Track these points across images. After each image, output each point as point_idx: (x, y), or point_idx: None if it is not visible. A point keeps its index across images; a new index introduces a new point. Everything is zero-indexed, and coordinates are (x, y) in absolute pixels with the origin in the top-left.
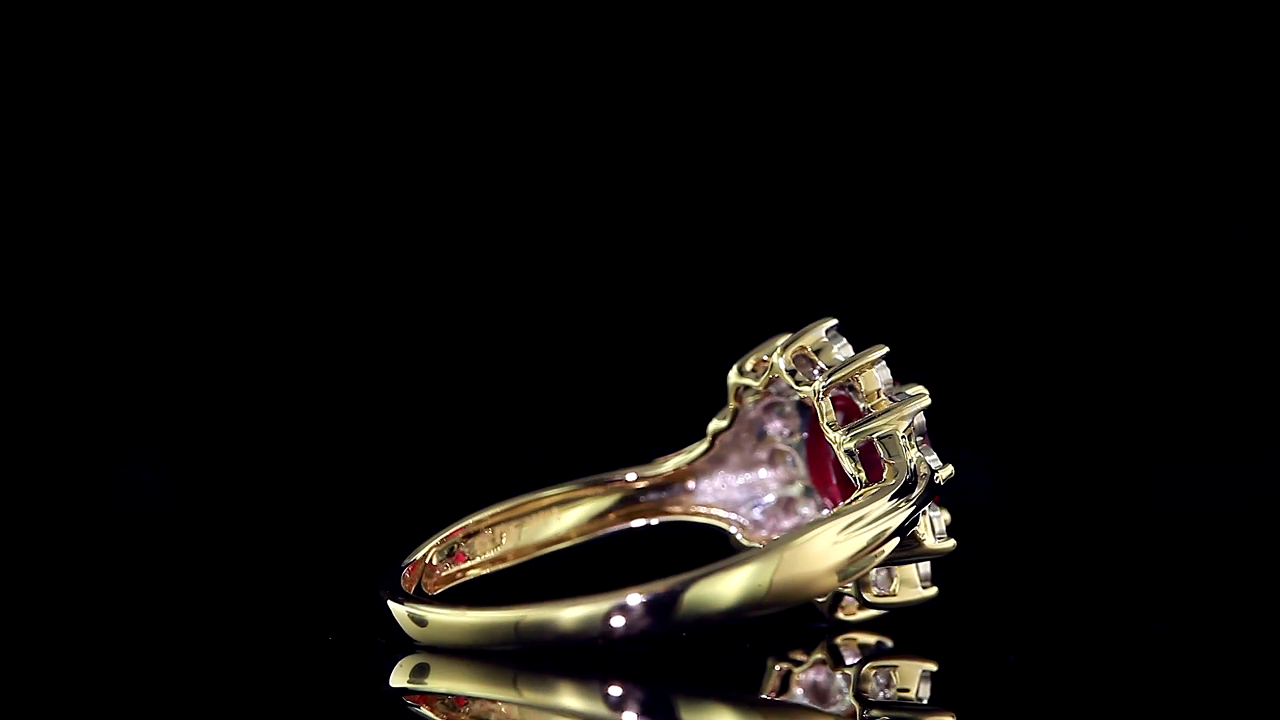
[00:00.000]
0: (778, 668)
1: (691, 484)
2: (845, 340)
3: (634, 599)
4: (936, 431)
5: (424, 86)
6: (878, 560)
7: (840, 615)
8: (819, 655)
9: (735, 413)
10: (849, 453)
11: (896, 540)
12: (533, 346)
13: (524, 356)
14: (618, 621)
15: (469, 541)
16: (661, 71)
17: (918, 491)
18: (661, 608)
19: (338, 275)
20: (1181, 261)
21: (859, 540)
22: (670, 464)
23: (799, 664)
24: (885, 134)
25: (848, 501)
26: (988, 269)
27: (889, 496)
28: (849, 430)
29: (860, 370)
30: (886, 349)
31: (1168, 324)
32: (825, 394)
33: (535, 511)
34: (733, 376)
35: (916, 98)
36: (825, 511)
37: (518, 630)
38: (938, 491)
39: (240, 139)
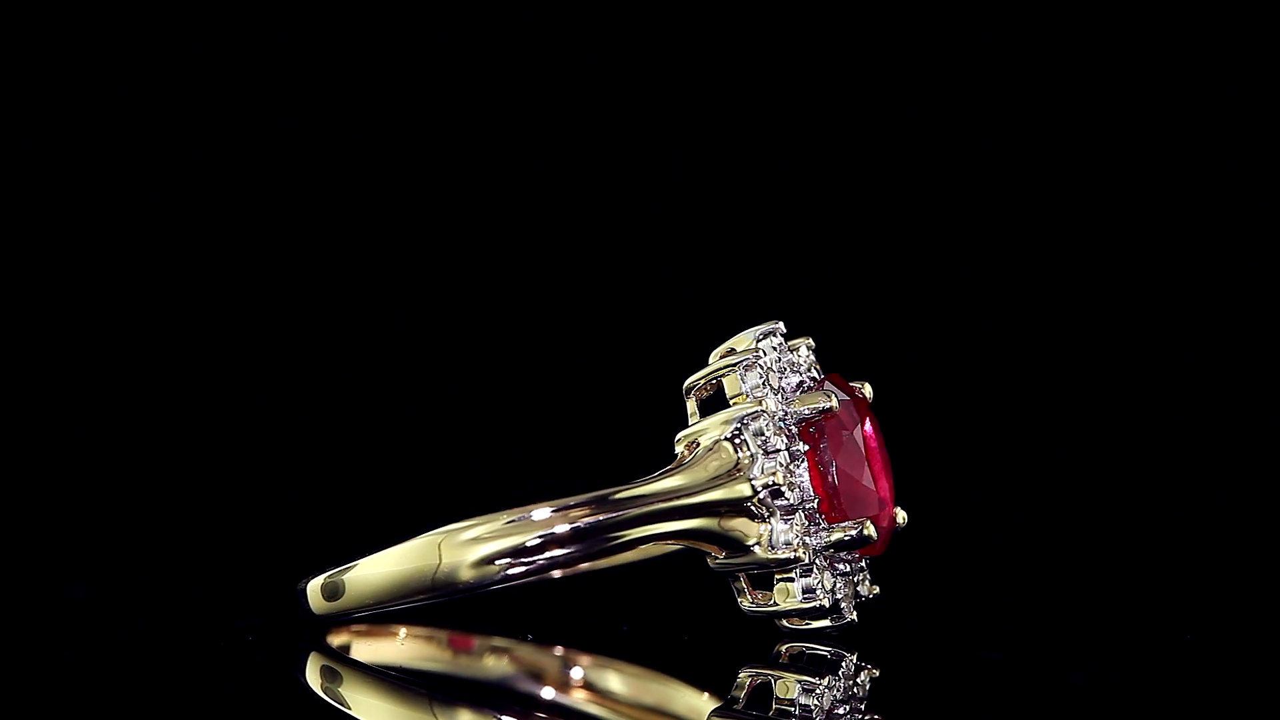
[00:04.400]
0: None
1: None
2: (780, 346)
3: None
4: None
5: (413, 104)
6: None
7: (786, 623)
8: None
9: None
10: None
11: (656, 526)
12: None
13: (519, 363)
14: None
15: None
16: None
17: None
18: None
19: (329, 281)
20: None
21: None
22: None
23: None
24: (894, 146)
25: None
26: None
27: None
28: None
29: (721, 373)
30: (760, 354)
31: (1129, 329)
32: (689, 394)
33: None
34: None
35: (926, 104)
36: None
37: (436, 574)
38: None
39: (236, 139)
